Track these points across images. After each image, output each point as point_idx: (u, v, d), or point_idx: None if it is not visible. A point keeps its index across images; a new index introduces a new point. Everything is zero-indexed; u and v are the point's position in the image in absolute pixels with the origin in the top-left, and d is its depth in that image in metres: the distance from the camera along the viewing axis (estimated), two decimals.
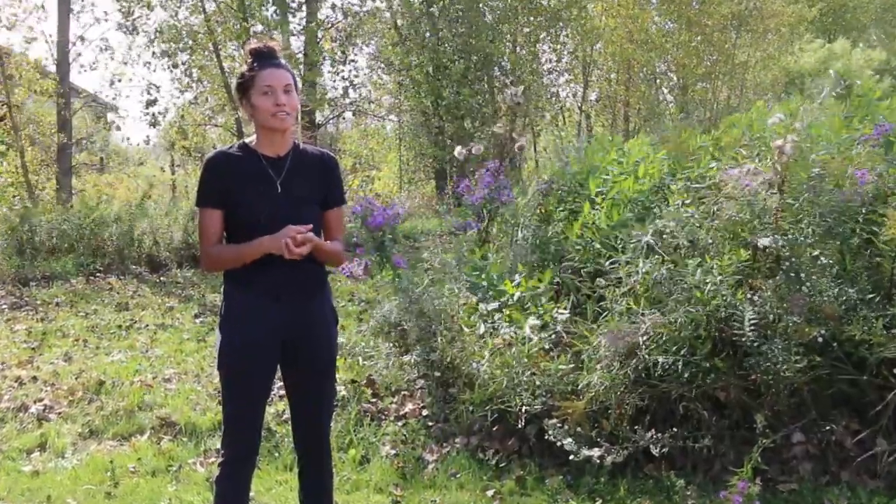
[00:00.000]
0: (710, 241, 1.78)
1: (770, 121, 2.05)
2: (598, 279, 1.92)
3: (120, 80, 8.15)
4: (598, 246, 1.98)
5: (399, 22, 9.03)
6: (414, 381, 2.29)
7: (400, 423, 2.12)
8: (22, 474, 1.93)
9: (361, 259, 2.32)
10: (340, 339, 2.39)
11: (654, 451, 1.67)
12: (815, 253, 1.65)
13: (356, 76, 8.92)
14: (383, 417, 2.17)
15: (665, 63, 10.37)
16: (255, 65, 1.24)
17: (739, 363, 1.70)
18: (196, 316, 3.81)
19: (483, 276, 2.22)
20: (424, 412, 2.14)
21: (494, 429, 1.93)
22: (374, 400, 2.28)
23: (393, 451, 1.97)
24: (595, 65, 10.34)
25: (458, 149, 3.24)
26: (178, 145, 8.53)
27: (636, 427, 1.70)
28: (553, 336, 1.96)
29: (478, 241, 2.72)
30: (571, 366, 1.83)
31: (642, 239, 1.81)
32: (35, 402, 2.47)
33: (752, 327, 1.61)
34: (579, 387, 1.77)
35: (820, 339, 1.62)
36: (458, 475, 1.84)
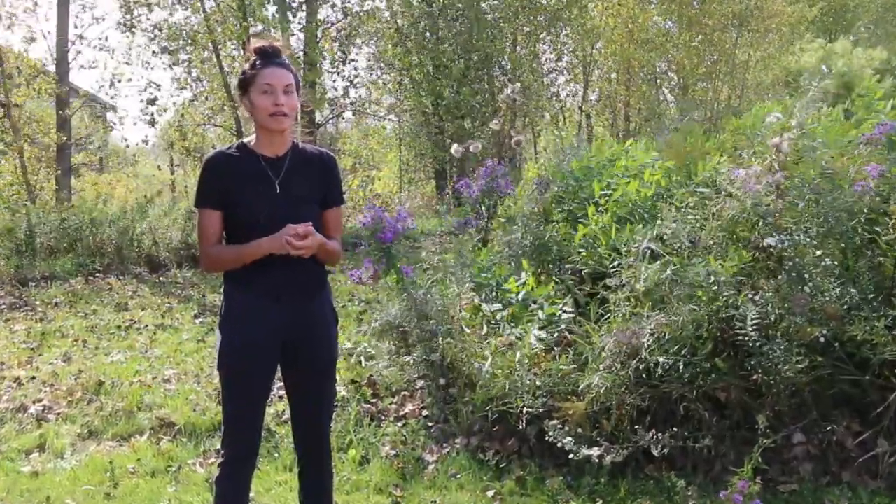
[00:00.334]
0: (712, 241, 1.78)
1: (767, 119, 2.05)
2: (599, 281, 1.91)
3: (119, 81, 8.15)
4: (600, 250, 1.97)
5: (399, 22, 9.03)
6: (414, 382, 2.29)
7: (400, 424, 2.11)
8: (21, 475, 1.92)
9: (370, 266, 2.32)
10: (340, 340, 2.39)
11: (655, 452, 1.66)
12: (818, 253, 1.65)
13: (356, 76, 8.90)
14: (383, 418, 2.17)
15: (665, 63, 10.37)
16: (257, 63, 1.23)
17: (740, 363, 1.70)
18: (196, 316, 3.81)
19: (489, 276, 2.21)
20: (424, 413, 2.14)
21: (494, 429, 1.93)
22: (374, 400, 2.27)
23: (393, 452, 1.97)
24: (595, 64, 10.34)
25: (454, 146, 3.23)
26: (178, 145, 8.52)
27: (637, 427, 1.70)
28: (555, 336, 1.95)
29: (478, 241, 2.72)
30: (573, 366, 1.83)
31: (643, 243, 1.80)
32: (34, 402, 2.47)
33: (754, 327, 1.61)
34: (580, 387, 1.77)
35: (821, 340, 1.61)
36: (459, 476, 1.84)
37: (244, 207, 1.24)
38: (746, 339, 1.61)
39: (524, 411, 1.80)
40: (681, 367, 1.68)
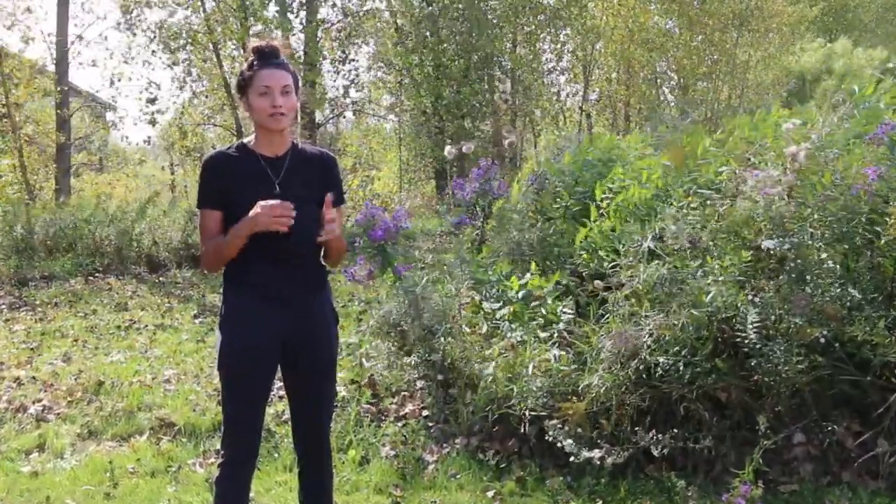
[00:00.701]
0: (713, 242, 1.78)
1: (784, 126, 2.03)
2: (596, 281, 1.91)
3: (119, 80, 8.14)
4: (601, 254, 1.97)
5: (399, 21, 9.02)
6: (414, 382, 2.28)
7: (400, 424, 2.11)
8: (21, 475, 1.92)
9: (365, 265, 2.31)
10: (340, 340, 2.39)
11: (655, 452, 1.66)
12: (823, 256, 1.64)
13: (356, 75, 8.89)
14: (383, 418, 2.17)
15: (666, 62, 10.36)
16: (255, 64, 1.23)
17: (741, 364, 1.70)
18: (195, 316, 3.80)
19: (491, 273, 2.21)
20: (424, 413, 2.14)
21: (495, 429, 1.93)
22: (374, 400, 2.27)
23: (393, 452, 1.97)
24: (595, 64, 10.33)
25: (447, 148, 3.23)
26: (178, 145, 8.52)
27: (637, 428, 1.70)
28: (555, 336, 1.95)
29: (475, 240, 2.71)
30: (573, 367, 1.83)
31: (643, 243, 1.80)
32: (34, 402, 2.46)
33: (754, 328, 1.60)
34: (580, 388, 1.77)
35: (822, 340, 1.61)
36: (459, 476, 1.83)
37: (244, 208, 1.23)
38: (746, 339, 1.61)
39: (526, 414, 1.79)
40: (681, 367, 1.68)
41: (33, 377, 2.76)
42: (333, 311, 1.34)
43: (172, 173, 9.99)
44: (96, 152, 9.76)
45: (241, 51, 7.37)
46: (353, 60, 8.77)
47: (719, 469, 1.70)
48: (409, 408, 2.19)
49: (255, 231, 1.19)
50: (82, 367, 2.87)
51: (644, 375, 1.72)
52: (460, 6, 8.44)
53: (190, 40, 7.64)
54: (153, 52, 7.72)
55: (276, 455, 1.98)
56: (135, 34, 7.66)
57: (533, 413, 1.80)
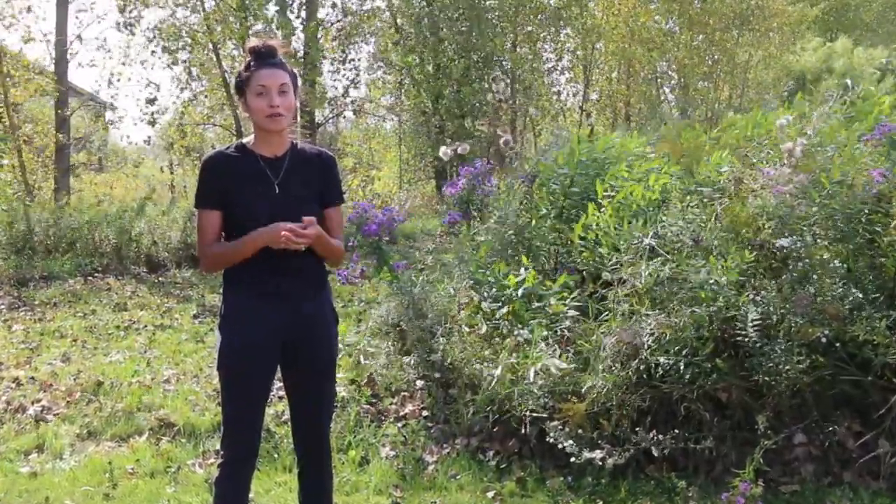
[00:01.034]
0: (715, 241, 1.77)
1: (778, 122, 2.04)
2: (601, 280, 1.90)
3: (119, 80, 8.13)
4: (602, 250, 1.96)
5: (399, 21, 9.01)
6: (414, 382, 2.28)
7: (400, 424, 2.11)
8: (20, 475, 1.92)
9: (357, 265, 2.30)
10: (340, 340, 2.37)
11: (656, 453, 1.66)
12: (826, 255, 1.64)
13: (357, 75, 8.88)
14: (383, 418, 2.16)
15: (666, 62, 10.35)
16: (251, 64, 1.23)
17: (741, 364, 1.70)
18: (195, 316, 3.80)
19: (488, 273, 2.20)
20: (424, 413, 2.14)
21: (495, 430, 1.92)
22: (373, 401, 2.27)
23: (393, 453, 1.96)
24: (596, 64, 10.32)
25: (442, 149, 3.21)
26: (178, 145, 8.51)
27: (637, 428, 1.69)
28: (556, 334, 1.94)
29: (469, 238, 2.70)
30: (573, 366, 1.82)
31: (644, 241, 1.79)
32: (33, 402, 2.46)
33: (755, 328, 1.60)
34: (581, 388, 1.76)
35: (823, 340, 1.61)
36: (459, 476, 1.83)
37: (243, 208, 1.23)
38: (747, 339, 1.61)
39: (527, 415, 1.79)
40: (681, 367, 1.68)
41: (32, 377, 2.75)
42: (333, 311, 1.34)
43: (172, 173, 9.98)
44: (96, 152, 9.75)
45: (241, 50, 7.37)
46: (353, 60, 8.78)
47: (720, 469, 1.70)
48: (408, 408, 2.18)
49: (266, 245, 1.19)
50: (81, 368, 2.87)
51: (644, 375, 1.72)
52: (460, 6, 8.43)
53: (189, 40, 7.63)
54: (152, 52, 7.71)
55: (275, 455, 1.98)
56: (133, 34, 7.65)
57: (533, 413, 1.79)
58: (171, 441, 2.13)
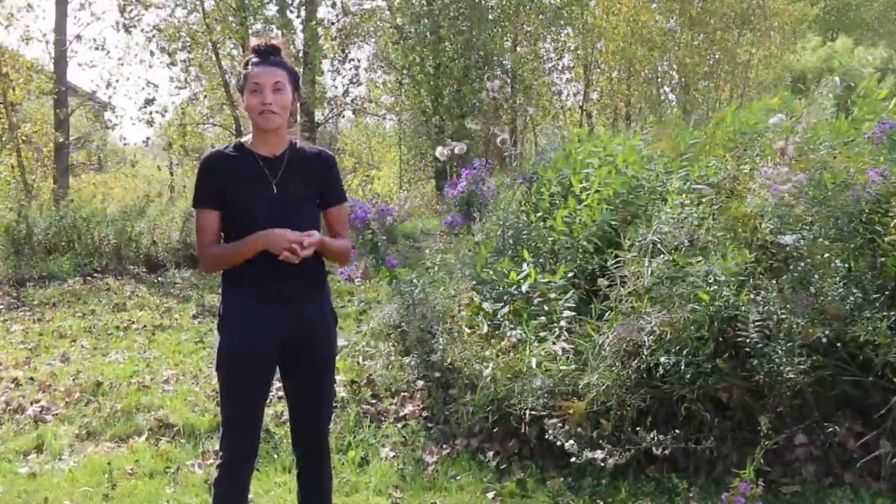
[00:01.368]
0: (711, 239, 1.77)
1: (771, 121, 2.03)
2: (600, 279, 1.90)
3: (118, 81, 8.13)
4: (585, 244, 1.95)
5: (399, 20, 9.00)
6: (414, 382, 2.27)
7: (400, 425, 2.10)
8: (19, 476, 1.91)
9: (359, 263, 2.29)
10: (340, 340, 2.37)
11: (656, 453, 1.65)
12: (827, 255, 1.63)
13: (356, 74, 8.89)
14: (383, 419, 2.16)
15: (667, 62, 10.34)
16: (250, 62, 1.23)
17: (742, 364, 1.69)
18: (194, 316, 3.79)
19: (492, 272, 2.19)
20: (424, 413, 2.13)
21: (495, 430, 1.92)
22: (373, 401, 2.26)
23: (392, 453, 1.96)
24: (596, 63, 10.31)
25: (439, 149, 3.20)
26: (177, 145, 8.50)
27: (638, 428, 1.69)
28: (557, 332, 1.94)
29: (472, 240, 2.70)
30: (573, 366, 1.82)
31: (647, 236, 1.79)
32: (32, 403, 2.45)
33: (756, 328, 1.59)
34: (580, 387, 1.76)
35: (824, 340, 1.60)
36: (459, 477, 1.83)
37: (241, 207, 1.23)
38: (748, 339, 1.60)
39: (526, 414, 1.78)
40: (682, 367, 1.67)
41: (31, 378, 2.74)
42: (332, 312, 1.33)
43: (171, 173, 9.97)
44: (95, 152, 9.73)
45: (241, 50, 7.36)
46: (353, 60, 8.77)
47: (721, 470, 1.70)
48: (408, 408, 2.18)
49: (265, 249, 1.19)
50: (80, 368, 2.86)
51: (645, 375, 1.72)
52: (460, 5, 8.42)
53: (189, 39, 7.62)
54: (151, 52, 7.70)
55: (275, 456, 1.97)
56: (130, 33, 7.63)
57: (533, 413, 1.79)
58: (170, 441, 2.12)
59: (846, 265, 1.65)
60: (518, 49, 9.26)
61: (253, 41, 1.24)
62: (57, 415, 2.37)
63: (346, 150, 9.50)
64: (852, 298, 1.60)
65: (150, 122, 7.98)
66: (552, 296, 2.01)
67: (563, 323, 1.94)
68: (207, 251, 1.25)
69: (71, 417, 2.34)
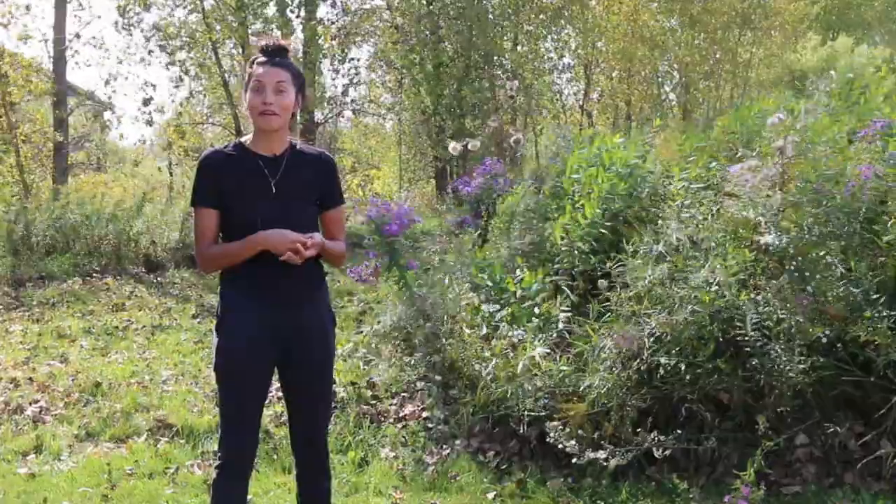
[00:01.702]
0: (713, 242, 1.76)
1: (770, 120, 2.03)
2: (600, 280, 1.89)
3: (116, 80, 8.11)
4: (581, 245, 1.95)
5: (399, 20, 8.99)
6: (414, 383, 2.27)
7: (400, 426, 2.10)
8: (17, 476, 1.91)
9: (371, 262, 2.28)
10: (339, 341, 2.37)
11: (657, 454, 1.65)
12: (821, 252, 1.63)
13: (356, 74, 8.88)
14: (383, 419, 2.16)
15: (668, 61, 10.33)
16: (255, 61, 1.22)
17: (742, 365, 1.69)
18: (193, 317, 3.78)
19: (486, 275, 2.20)
20: (424, 414, 2.13)
21: (495, 431, 1.92)
22: (373, 402, 2.26)
23: (392, 454, 1.96)
24: (597, 63, 10.30)
25: (452, 144, 3.21)
26: (176, 144, 8.48)
27: (638, 429, 1.68)
28: (554, 335, 1.94)
29: (477, 240, 2.70)
30: (573, 367, 1.82)
31: (653, 248, 1.78)
32: (31, 403, 2.45)
33: (756, 328, 1.59)
34: (581, 388, 1.76)
35: (824, 340, 1.60)
36: (459, 477, 1.82)
37: (240, 207, 1.22)
38: (748, 340, 1.60)
39: (525, 414, 1.78)
40: (682, 368, 1.67)
41: (30, 378, 2.74)
42: (331, 312, 1.33)
43: (171, 173, 9.96)
44: (94, 152, 9.72)
45: (241, 49, 7.35)
46: (353, 59, 8.76)
47: (721, 471, 1.69)
48: (408, 409, 2.18)
49: (265, 249, 1.19)
50: (79, 368, 2.86)
51: (645, 376, 1.71)
52: (460, 5, 8.41)
53: (189, 39, 7.60)
54: (150, 51, 7.69)
55: (274, 457, 1.97)
56: (131, 33, 7.62)
57: (533, 414, 1.78)
58: (169, 442, 2.12)
59: (845, 265, 1.65)
60: (518, 48, 9.25)
61: (261, 41, 1.23)
62: (56, 415, 2.36)
63: (346, 149, 9.48)
64: (852, 298, 1.59)
65: (150, 123, 7.97)
66: (538, 299, 2.01)
67: (560, 325, 1.93)
68: (206, 251, 1.24)
69: (70, 418, 2.33)
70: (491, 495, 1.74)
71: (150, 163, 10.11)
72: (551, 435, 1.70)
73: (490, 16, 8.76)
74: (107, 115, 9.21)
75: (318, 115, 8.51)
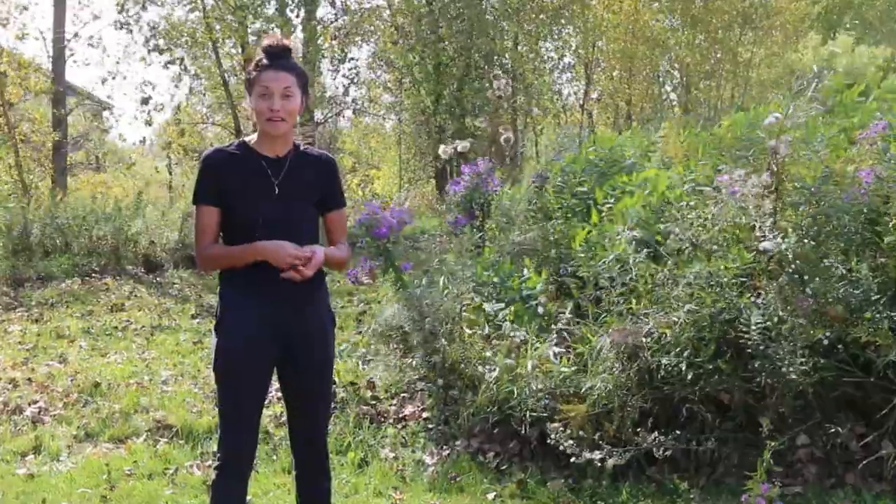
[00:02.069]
0: (714, 244, 1.76)
1: (766, 121, 2.02)
2: (598, 281, 1.89)
3: (114, 78, 8.09)
4: (598, 254, 1.94)
5: (399, 20, 8.98)
6: (414, 383, 2.27)
7: (400, 426, 2.10)
8: (16, 477, 1.90)
9: (366, 264, 2.28)
10: (339, 341, 2.36)
11: (657, 454, 1.65)
12: (820, 254, 1.63)
13: (356, 73, 8.87)
14: (383, 420, 2.15)
15: (668, 61, 10.32)
16: (261, 63, 1.22)
17: (744, 365, 1.68)
18: (193, 317, 3.78)
19: (493, 274, 2.18)
20: (424, 414, 2.12)
21: (495, 431, 1.91)
22: (373, 402, 2.25)
23: (392, 454, 1.95)
24: (597, 62, 10.29)
25: (441, 147, 3.20)
26: (176, 144, 8.47)
27: (639, 430, 1.68)
28: (555, 337, 1.94)
29: (475, 240, 2.69)
30: (574, 368, 1.81)
31: (629, 234, 1.77)
32: (30, 404, 2.44)
33: (757, 329, 1.59)
34: (582, 389, 1.75)
35: (825, 342, 1.60)
36: (459, 478, 1.82)
37: (241, 206, 1.22)
38: (749, 341, 1.59)
39: (527, 416, 1.78)
40: (683, 368, 1.67)
41: (29, 379, 2.73)
42: (330, 312, 1.33)
43: (170, 173, 9.95)
44: (93, 151, 9.72)
45: (241, 49, 7.34)
46: (353, 59, 8.76)
47: (722, 471, 1.69)
48: (408, 409, 2.17)
49: (265, 258, 1.19)
50: (78, 369, 2.85)
51: (646, 377, 1.71)
52: (459, 4, 8.40)
53: (188, 38, 7.59)
54: (149, 51, 7.67)
55: (273, 457, 1.96)
56: (130, 31, 7.61)
57: (534, 415, 1.78)
58: (168, 442, 2.11)
59: (846, 266, 1.64)
60: (519, 48, 9.24)
61: (266, 40, 1.22)
62: (55, 416, 2.36)
63: (346, 149, 9.48)
64: (852, 300, 1.59)
65: (149, 122, 7.96)
66: (543, 299, 2.00)
67: (559, 325, 1.93)
68: (206, 250, 1.24)
69: (69, 418, 2.33)
70: (491, 496, 1.74)
71: (150, 163, 10.10)
72: (552, 436, 1.70)
73: (490, 16, 8.75)
74: (105, 114, 9.20)
75: (318, 115, 8.51)
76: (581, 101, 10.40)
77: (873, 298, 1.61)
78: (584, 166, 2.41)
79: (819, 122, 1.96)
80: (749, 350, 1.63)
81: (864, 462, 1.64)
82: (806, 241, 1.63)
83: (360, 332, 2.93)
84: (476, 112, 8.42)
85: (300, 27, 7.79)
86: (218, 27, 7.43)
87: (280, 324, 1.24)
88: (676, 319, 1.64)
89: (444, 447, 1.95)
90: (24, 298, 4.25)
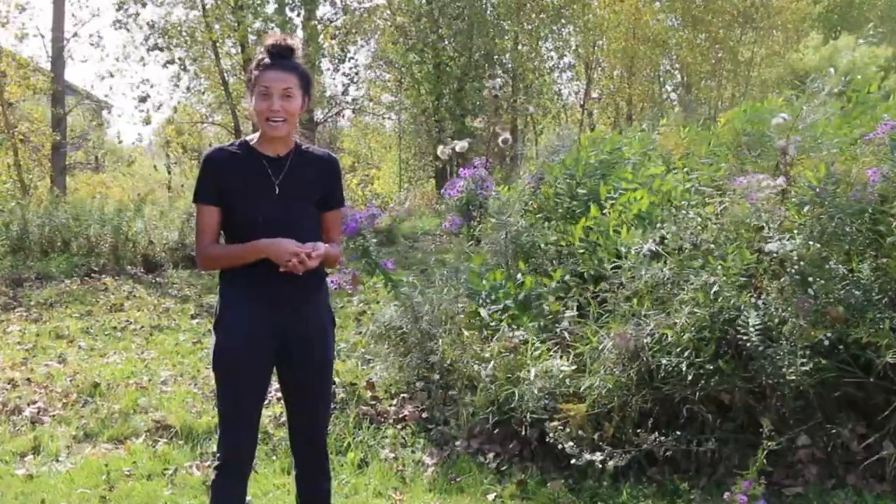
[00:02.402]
0: (714, 243, 1.75)
1: (774, 121, 2.02)
2: (602, 283, 1.89)
3: (113, 76, 8.09)
4: (600, 254, 1.94)
5: (399, 19, 8.97)
6: (413, 384, 2.26)
7: (399, 426, 2.09)
8: (15, 478, 1.90)
9: (348, 270, 2.27)
10: (338, 341, 2.36)
11: (658, 455, 1.65)
12: (823, 255, 1.62)
13: (356, 73, 8.85)
14: (382, 420, 2.15)
15: (669, 60, 10.32)
16: (262, 62, 1.21)
17: (744, 366, 1.68)
18: (192, 317, 3.77)
19: (484, 282, 2.18)
20: (424, 415, 2.12)
21: (495, 431, 1.91)
22: (373, 402, 2.25)
23: (392, 455, 1.95)
24: (598, 62, 10.29)
25: (440, 148, 3.19)
26: (175, 143, 8.47)
27: (639, 430, 1.68)
28: (555, 337, 1.93)
29: (469, 242, 2.67)
30: (574, 368, 1.81)
31: (644, 247, 1.77)
32: (29, 404, 2.44)
33: (757, 330, 1.58)
34: (582, 389, 1.75)
35: (826, 342, 1.59)
36: (459, 479, 1.82)
37: (242, 206, 1.22)
38: (750, 341, 1.59)
39: (527, 416, 1.77)
40: (684, 368, 1.66)
41: (28, 379, 2.73)
42: (330, 312, 1.33)
43: (169, 172, 9.93)
44: (92, 151, 9.71)
45: (240, 49, 7.33)
46: (353, 58, 8.76)
47: (722, 472, 1.68)
48: (408, 410, 2.17)
49: (266, 256, 1.19)
50: (78, 369, 2.84)
51: (646, 377, 1.71)
52: (459, 4, 8.39)
53: (188, 38, 7.58)
54: (148, 50, 7.66)
55: (273, 458, 1.96)
56: (129, 29, 7.60)
57: (534, 415, 1.78)
58: (168, 443, 2.11)
59: (847, 266, 1.64)
60: (519, 48, 9.23)
61: (269, 39, 1.21)
62: (54, 416, 2.35)
63: (346, 149, 9.47)
64: (853, 300, 1.59)
65: (148, 121, 7.96)
66: (551, 299, 2.00)
67: (564, 324, 1.92)
68: (206, 250, 1.24)
69: (68, 419, 2.32)
70: (491, 496, 1.73)
71: (149, 162, 10.09)
72: (551, 436, 1.70)
73: (490, 15, 8.74)
74: (104, 114, 9.18)
75: (318, 115, 8.50)
76: (581, 101, 10.40)
77: (875, 299, 1.60)
78: (584, 169, 2.39)
79: (829, 123, 1.95)
80: (750, 350, 1.62)
81: (866, 463, 1.63)
82: (811, 242, 1.63)
83: (360, 332, 2.93)
84: (476, 112, 8.40)
85: (300, 26, 7.78)
86: (217, 26, 7.42)
87: (280, 324, 1.24)
88: (677, 321, 1.64)
89: (444, 448, 1.95)
90: (24, 298, 4.24)
